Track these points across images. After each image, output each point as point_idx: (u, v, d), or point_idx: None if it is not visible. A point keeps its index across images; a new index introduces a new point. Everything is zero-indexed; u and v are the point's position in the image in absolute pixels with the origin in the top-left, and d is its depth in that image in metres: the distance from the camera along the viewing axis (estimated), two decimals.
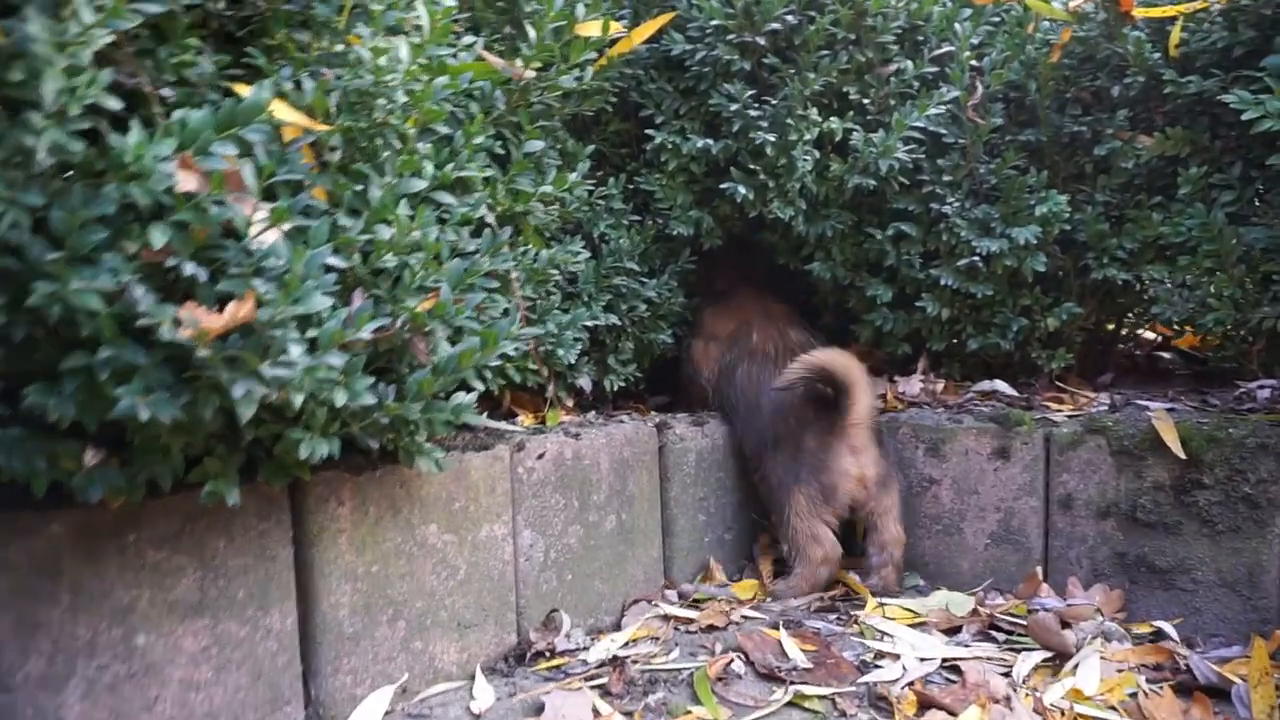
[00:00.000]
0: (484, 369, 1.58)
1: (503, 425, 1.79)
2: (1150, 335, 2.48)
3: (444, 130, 1.41)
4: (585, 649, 1.68)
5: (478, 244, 1.42)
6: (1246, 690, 1.40)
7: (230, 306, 0.98)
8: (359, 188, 1.19)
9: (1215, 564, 1.67)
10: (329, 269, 1.15)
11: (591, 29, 1.55)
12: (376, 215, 1.23)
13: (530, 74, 1.54)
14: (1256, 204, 1.77)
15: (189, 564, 1.25)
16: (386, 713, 1.44)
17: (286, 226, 1.07)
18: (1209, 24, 1.80)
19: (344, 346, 1.19)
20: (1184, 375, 2.15)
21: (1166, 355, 2.36)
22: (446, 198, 1.39)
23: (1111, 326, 2.20)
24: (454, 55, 1.47)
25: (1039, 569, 1.83)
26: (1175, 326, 1.96)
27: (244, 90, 1.07)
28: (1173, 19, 1.83)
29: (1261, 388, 1.77)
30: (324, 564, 1.41)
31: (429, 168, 1.37)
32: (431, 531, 1.55)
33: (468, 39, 1.47)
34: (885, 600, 1.84)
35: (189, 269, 0.97)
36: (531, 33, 1.52)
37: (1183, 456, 1.66)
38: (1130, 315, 2.21)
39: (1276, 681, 1.44)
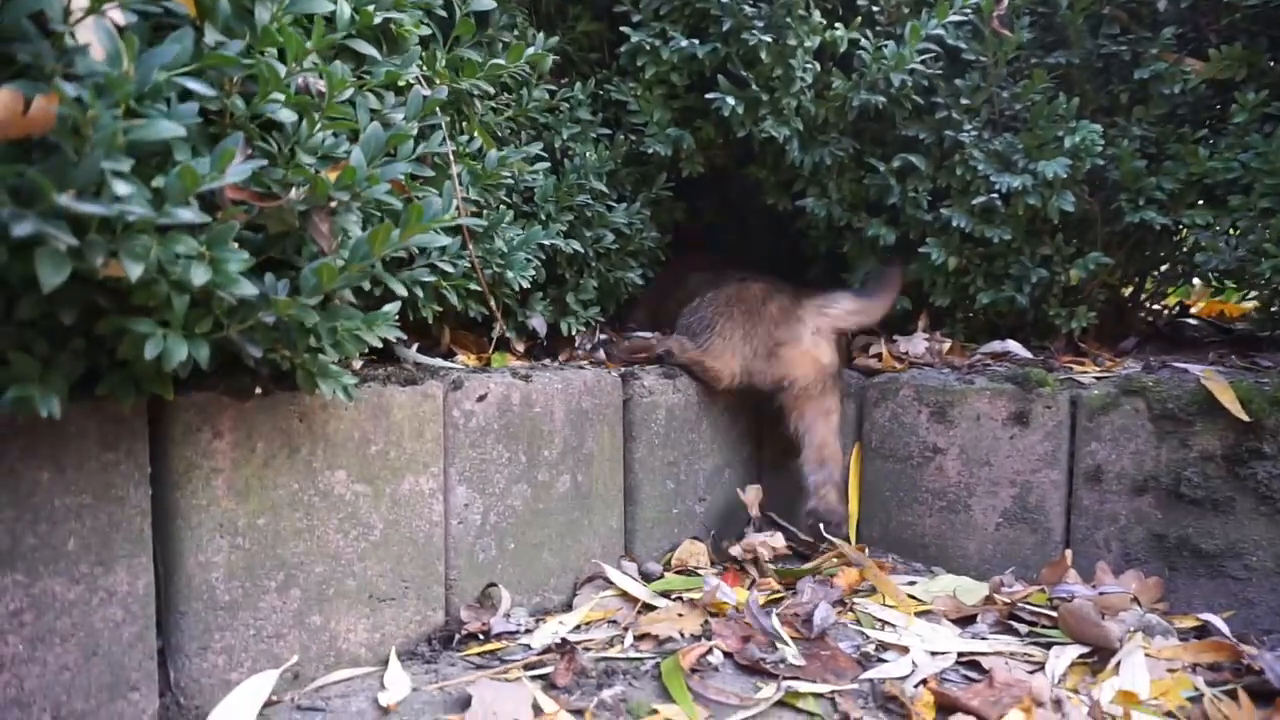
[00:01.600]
0: (415, 284, 1.29)
1: (436, 361, 1.48)
2: (1168, 301, 2.25)
3: None
4: (528, 632, 1.39)
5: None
6: None
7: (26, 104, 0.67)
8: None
9: (1274, 548, 1.42)
10: (188, 95, 0.84)
11: None
12: (265, 41, 0.92)
13: None
14: None
15: None
16: (269, 703, 1.14)
17: (118, 17, 0.76)
18: None
19: (209, 206, 0.88)
20: (1214, 342, 1.91)
21: (1192, 321, 2.12)
22: (366, 48, 1.09)
23: (1137, 283, 1.95)
24: None
25: (1066, 552, 1.56)
26: (1215, 281, 1.71)
27: None
28: None
29: None
30: (192, 511, 1.10)
31: (344, 6, 1.06)
32: (339, 479, 1.24)
33: None
34: (870, 573, 1.56)
35: None
36: None
37: (1246, 419, 1.40)
38: (1157, 271, 1.96)
39: None
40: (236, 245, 0.90)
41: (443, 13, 1.28)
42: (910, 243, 1.87)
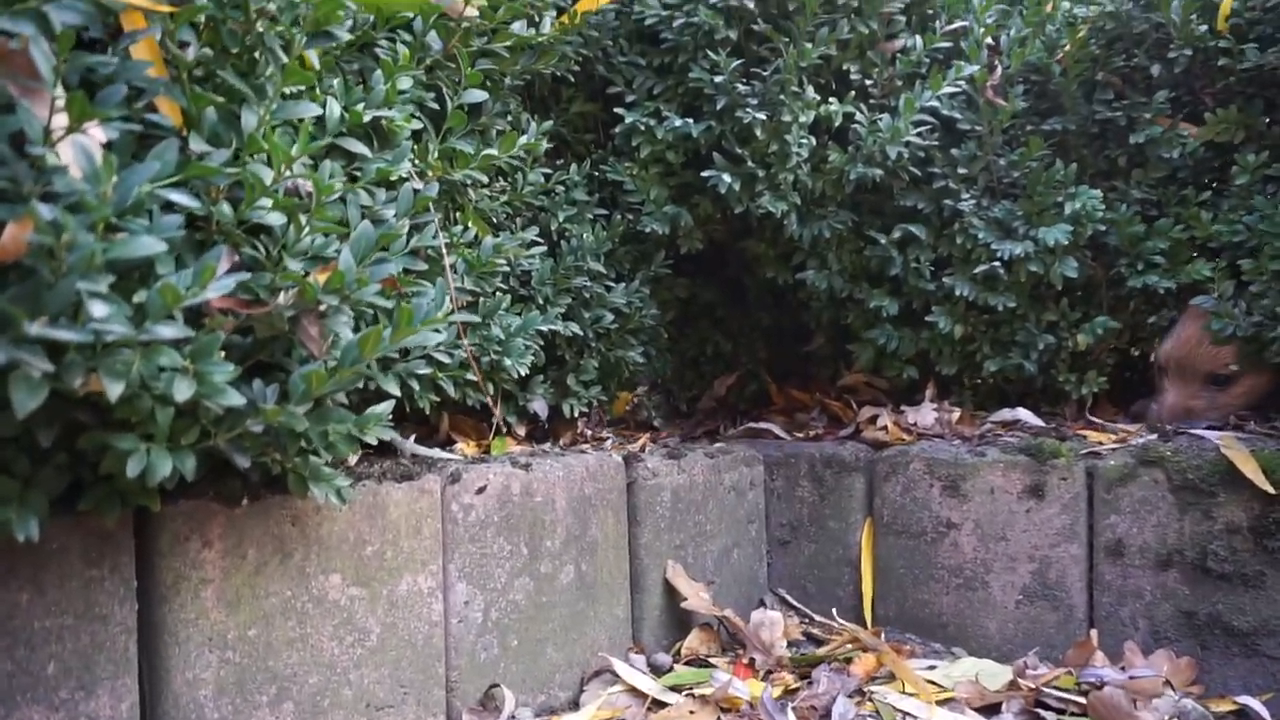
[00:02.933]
0: (410, 376, 1.26)
1: (434, 452, 1.45)
2: None
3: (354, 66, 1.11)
4: None
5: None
6: None
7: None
8: (222, 103, 0.87)
9: None
10: (171, 207, 0.83)
11: None
12: (251, 147, 0.91)
13: (472, 12, 1.25)
14: None
15: None
16: None
17: (99, 134, 0.75)
18: None
19: (193, 322, 0.86)
20: None
21: None
22: (357, 146, 1.08)
23: (1146, 346, 1.92)
24: None
25: (1091, 632, 1.51)
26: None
27: None
28: None
29: None
30: (180, 626, 1.06)
31: (334, 106, 1.06)
32: (333, 583, 1.20)
33: None
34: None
35: None
36: None
37: (1270, 490, 1.36)
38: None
39: None
40: (222, 354, 0.88)
41: (435, 105, 1.28)
42: (914, 312, 1.85)
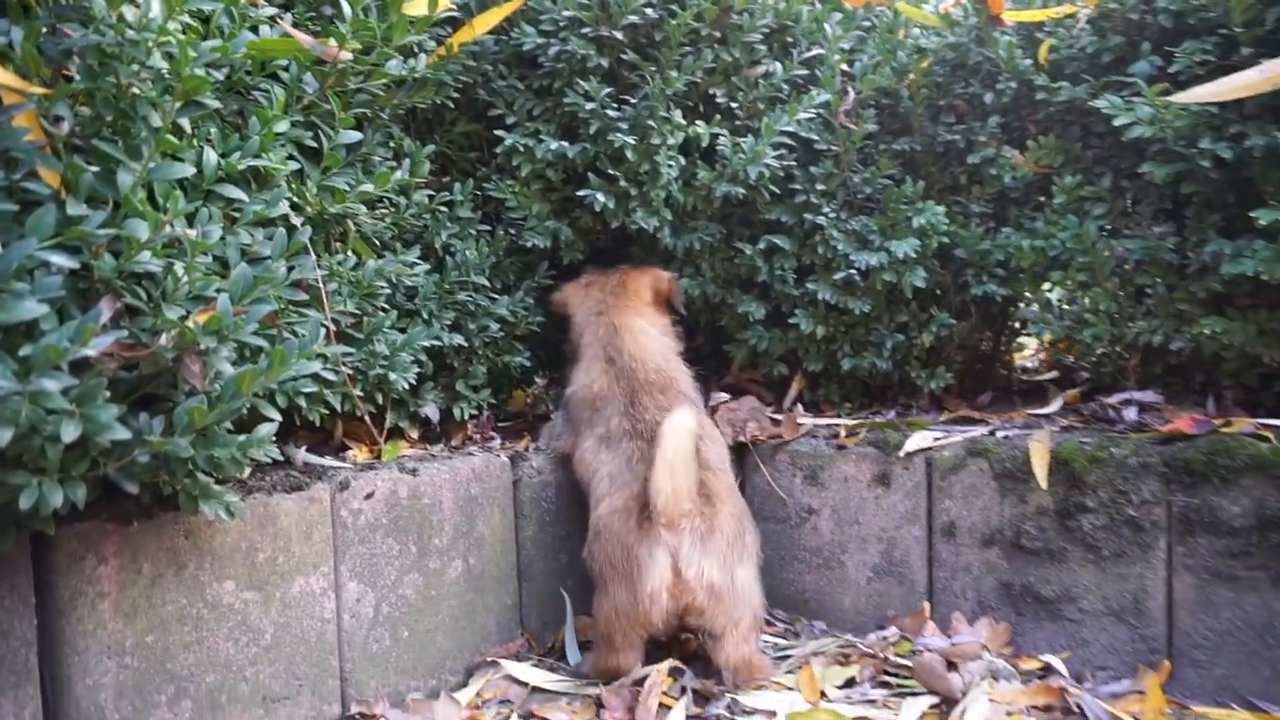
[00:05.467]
0: (298, 394, 1.36)
1: (325, 461, 1.55)
2: (1028, 352, 2.43)
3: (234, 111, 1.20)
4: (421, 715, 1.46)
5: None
6: None
7: None
8: (99, 170, 0.96)
9: (1101, 591, 1.57)
10: (52, 268, 0.92)
11: (417, 7, 1.36)
12: (127, 207, 1.00)
13: (346, 55, 1.34)
14: (1128, 215, 1.71)
15: None
16: None
17: None
18: (1079, 30, 1.74)
19: (78, 367, 0.95)
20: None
21: (1049, 374, 2.30)
22: (234, 191, 1.17)
23: (991, 344, 2.12)
24: (253, 29, 1.26)
25: (925, 604, 1.70)
26: (1048, 345, 1.88)
27: None
28: (1042, 24, 1.77)
29: (1127, 403, 1.70)
30: (79, 637, 1.15)
31: (210, 155, 1.14)
32: (227, 589, 1.30)
33: (267, 10, 1.26)
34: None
35: None
36: (346, 8, 1.32)
37: (1043, 485, 1.57)
38: (1005, 334, 2.13)
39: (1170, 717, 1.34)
40: (108, 394, 0.97)
41: (314, 143, 1.37)
42: (781, 315, 2.01)
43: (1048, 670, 1.56)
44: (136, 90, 0.96)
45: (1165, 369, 1.74)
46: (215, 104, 1.03)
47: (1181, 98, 1.46)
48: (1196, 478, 1.48)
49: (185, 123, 1.04)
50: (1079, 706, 1.37)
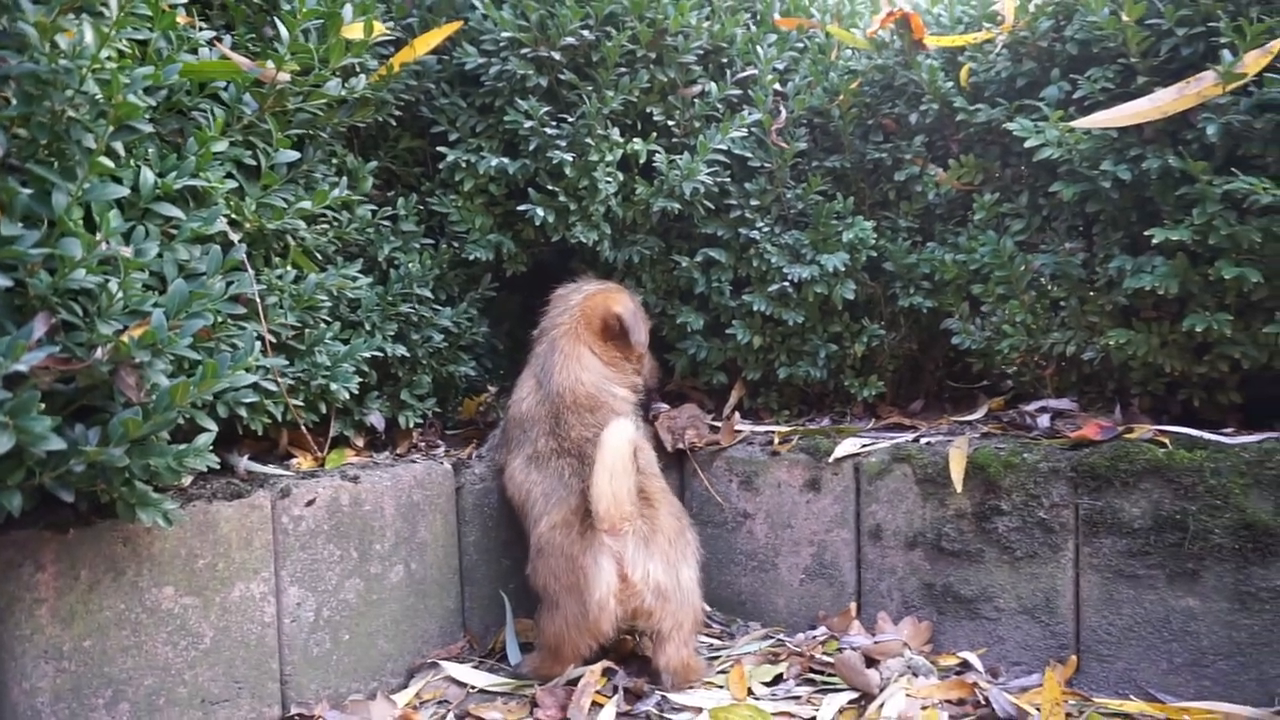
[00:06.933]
0: (238, 405, 1.40)
1: (268, 469, 1.59)
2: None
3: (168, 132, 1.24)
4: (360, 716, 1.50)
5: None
6: None
7: None
8: (34, 191, 1.00)
9: (1015, 590, 1.65)
10: None
11: (355, 31, 1.41)
12: (62, 227, 1.04)
13: (284, 77, 1.38)
14: (1044, 231, 1.80)
15: None
16: None
17: None
18: (995, 55, 1.83)
19: (13, 381, 0.99)
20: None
21: (979, 382, 2.39)
22: (170, 210, 1.21)
23: (922, 353, 2.20)
24: (192, 51, 1.31)
25: (853, 604, 1.77)
26: (972, 355, 1.97)
27: None
28: (963, 49, 1.86)
29: (1042, 411, 1.78)
30: (15, 642, 1.19)
31: (148, 175, 1.19)
32: (166, 595, 1.34)
33: (205, 32, 1.30)
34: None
35: None
36: (284, 31, 1.36)
37: (959, 489, 1.65)
38: (937, 343, 2.21)
39: (1068, 710, 1.42)
40: (42, 406, 1.01)
41: (253, 162, 1.41)
42: (719, 326, 2.08)
43: (965, 666, 1.64)
44: (71, 115, 1.00)
45: (1080, 378, 1.82)
46: (148, 128, 1.08)
47: (1082, 123, 1.55)
48: (1101, 482, 1.56)
49: (119, 146, 1.08)
50: (987, 699, 1.45)
